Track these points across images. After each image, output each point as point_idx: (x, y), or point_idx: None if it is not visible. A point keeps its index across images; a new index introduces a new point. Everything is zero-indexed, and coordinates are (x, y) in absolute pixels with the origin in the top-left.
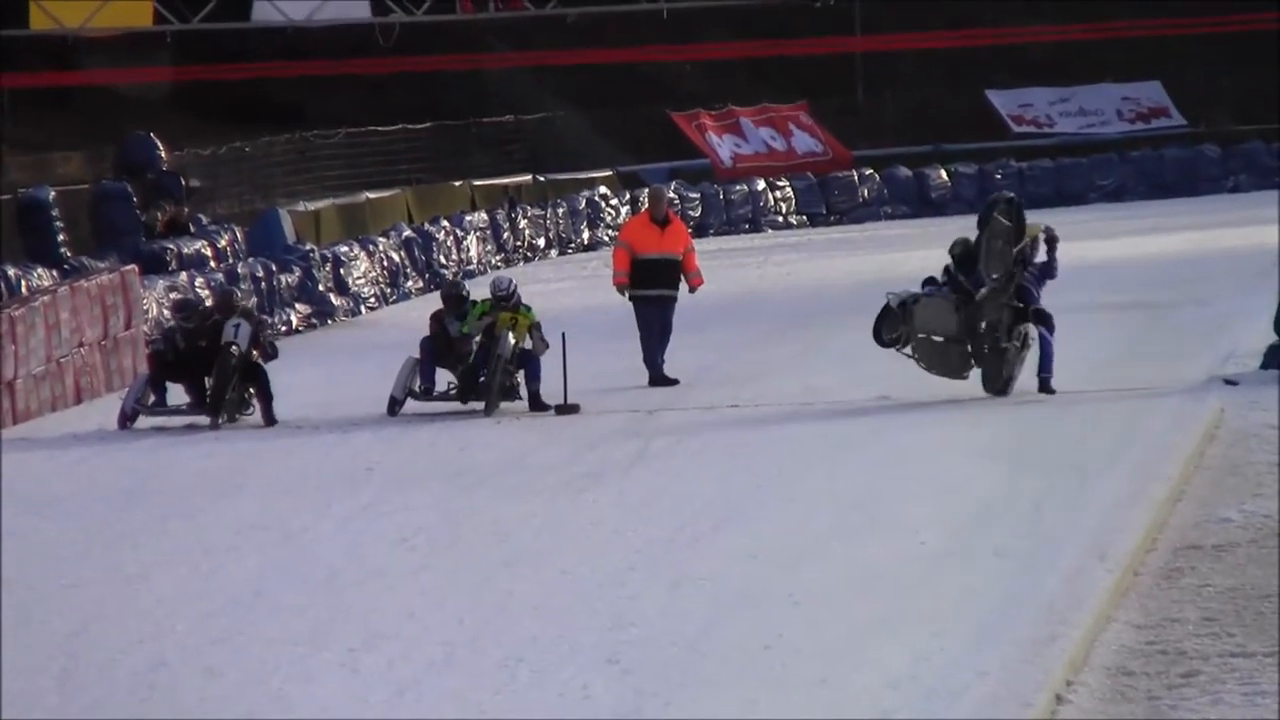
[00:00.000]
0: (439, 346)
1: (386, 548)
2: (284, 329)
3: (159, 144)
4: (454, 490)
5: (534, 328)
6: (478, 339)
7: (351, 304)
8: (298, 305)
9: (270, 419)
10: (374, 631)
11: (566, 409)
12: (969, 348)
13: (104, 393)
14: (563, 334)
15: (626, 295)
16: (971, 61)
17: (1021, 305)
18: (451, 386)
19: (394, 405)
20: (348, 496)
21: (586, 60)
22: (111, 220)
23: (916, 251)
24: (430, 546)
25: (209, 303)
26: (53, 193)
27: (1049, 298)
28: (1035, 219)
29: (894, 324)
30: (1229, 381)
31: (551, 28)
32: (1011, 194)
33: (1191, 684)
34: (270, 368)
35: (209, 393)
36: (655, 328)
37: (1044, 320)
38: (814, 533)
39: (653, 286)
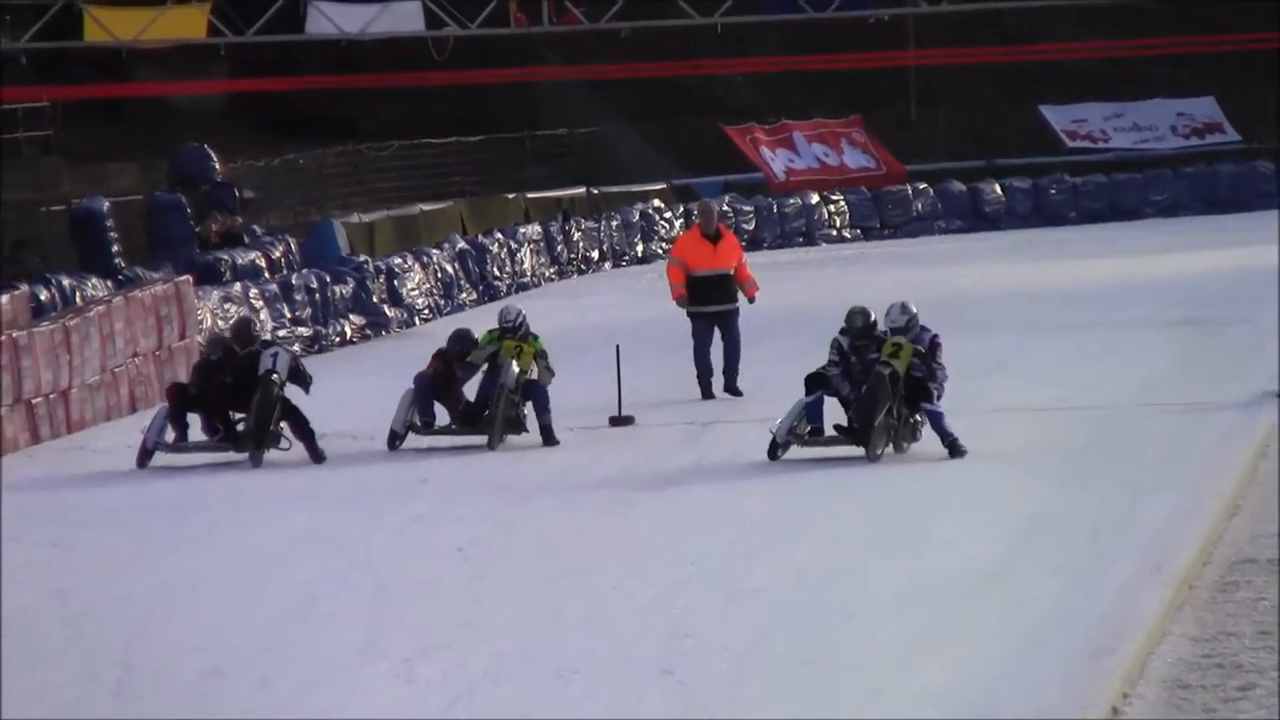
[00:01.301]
0: (438, 384)
1: (440, 558)
2: (337, 340)
3: (213, 155)
4: (506, 502)
5: (539, 356)
6: (483, 368)
7: (405, 315)
8: (352, 316)
9: (317, 456)
10: (428, 641)
11: (621, 421)
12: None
13: (158, 402)
14: (617, 346)
15: (685, 309)
16: (1024, 76)
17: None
18: (451, 423)
19: (394, 439)
20: (400, 507)
21: (640, 74)
22: (166, 231)
23: (971, 265)
24: (484, 557)
25: (208, 335)
26: (107, 204)
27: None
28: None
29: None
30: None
31: (605, 41)
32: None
33: (1248, 697)
34: (324, 379)
35: (245, 425)
36: (709, 341)
37: (924, 395)
38: (864, 548)
39: (708, 303)
